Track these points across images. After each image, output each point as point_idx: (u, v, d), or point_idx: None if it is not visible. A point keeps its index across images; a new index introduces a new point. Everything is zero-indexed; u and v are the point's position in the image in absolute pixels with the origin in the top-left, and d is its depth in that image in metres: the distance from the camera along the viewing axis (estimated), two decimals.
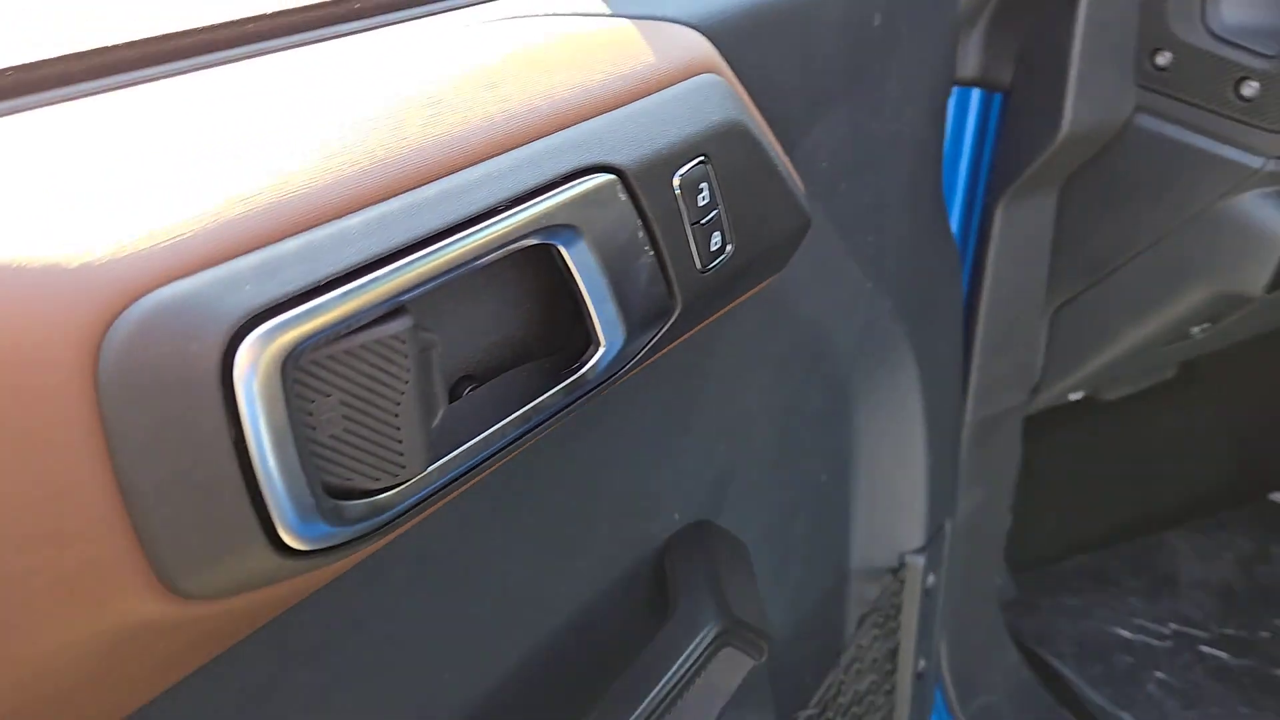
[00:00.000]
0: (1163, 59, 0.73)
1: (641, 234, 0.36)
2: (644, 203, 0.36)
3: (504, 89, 0.34)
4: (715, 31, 0.43)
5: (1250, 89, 0.69)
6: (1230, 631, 1.22)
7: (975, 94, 0.82)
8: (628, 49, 0.38)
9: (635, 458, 0.52)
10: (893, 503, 0.76)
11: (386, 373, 0.29)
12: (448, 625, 0.42)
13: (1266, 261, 0.73)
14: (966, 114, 0.82)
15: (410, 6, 0.38)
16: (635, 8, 0.41)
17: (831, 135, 0.54)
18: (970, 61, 0.79)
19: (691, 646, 0.51)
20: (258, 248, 0.27)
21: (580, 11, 0.40)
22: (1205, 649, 1.20)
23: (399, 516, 0.31)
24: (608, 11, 0.40)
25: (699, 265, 0.39)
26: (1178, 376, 1.39)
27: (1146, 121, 0.76)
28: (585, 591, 0.51)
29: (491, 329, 0.36)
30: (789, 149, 0.50)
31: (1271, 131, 0.69)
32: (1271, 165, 0.71)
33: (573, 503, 0.49)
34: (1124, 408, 1.36)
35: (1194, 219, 0.76)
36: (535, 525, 0.46)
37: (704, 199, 0.38)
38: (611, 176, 0.35)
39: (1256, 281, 0.74)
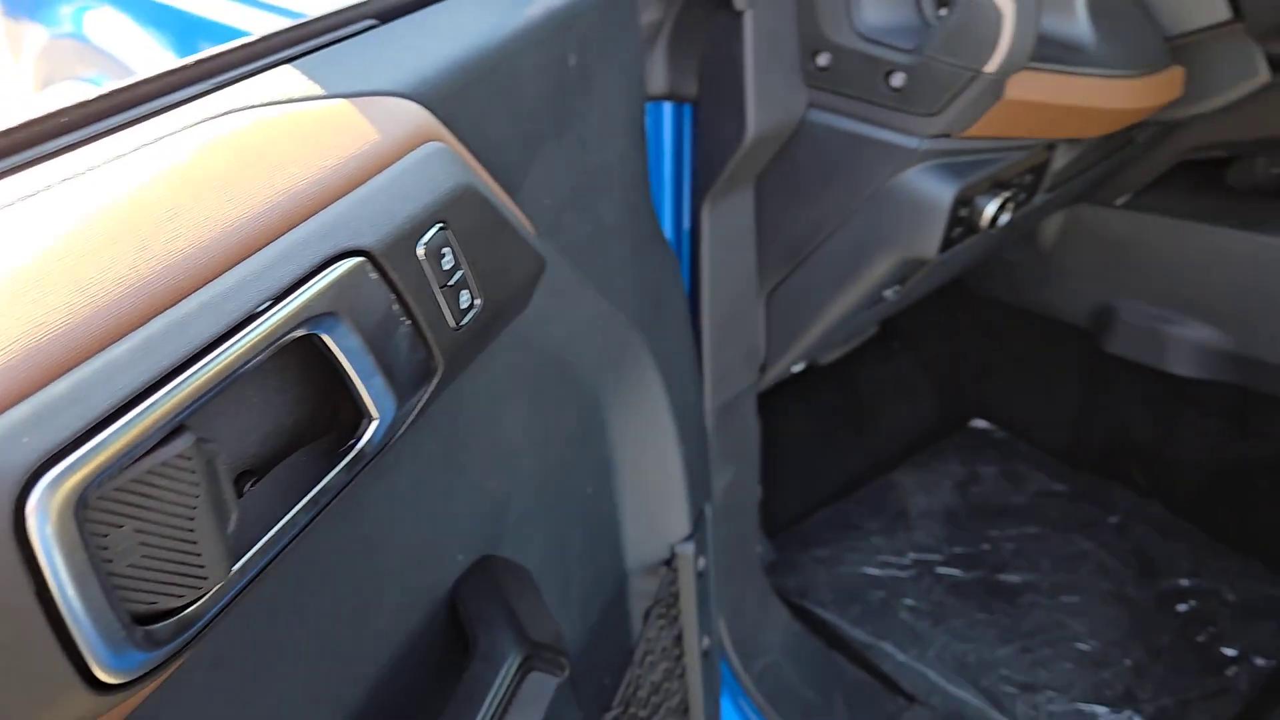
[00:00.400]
0: (823, 60, 0.82)
1: (396, 306, 0.37)
2: (394, 277, 0.37)
3: (241, 189, 0.34)
4: (428, 98, 0.44)
5: (899, 79, 0.78)
6: (959, 550, 1.37)
7: (668, 107, 0.88)
8: (352, 130, 0.39)
9: (411, 511, 0.53)
10: (656, 499, 0.81)
11: (176, 492, 0.29)
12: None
13: (936, 227, 0.84)
14: (662, 126, 0.88)
15: (122, 112, 0.37)
16: (346, 85, 0.42)
17: (549, 174, 0.56)
18: (657, 79, 0.84)
19: (498, 680, 0.52)
20: (27, 395, 0.26)
21: (294, 97, 0.40)
22: (941, 570, 1.35)
23: (207, 626, 0.30)
24: (321, 93, 0.41)
25: (453, 324, 0.41)
26: (879, 334, 1.55)
27: (818, 116, 0.85)
28: (385, 652, 0.51)
29: (267, 421, 0.36)
30: (513, 193, 0.52)
31: (922, 115, 0.79)
32: (927, 144, 0.81)
33: (358, 569, 0.49)
34: (840, 369, 1.50)
35: (872, 197, 0.86)
36: (325, 600, 0.46)
37: (448, 263, 0.40)
38: (360, 259, 0.36)
39: (930, 246, 0.85)
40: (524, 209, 0.53)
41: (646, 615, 0.81)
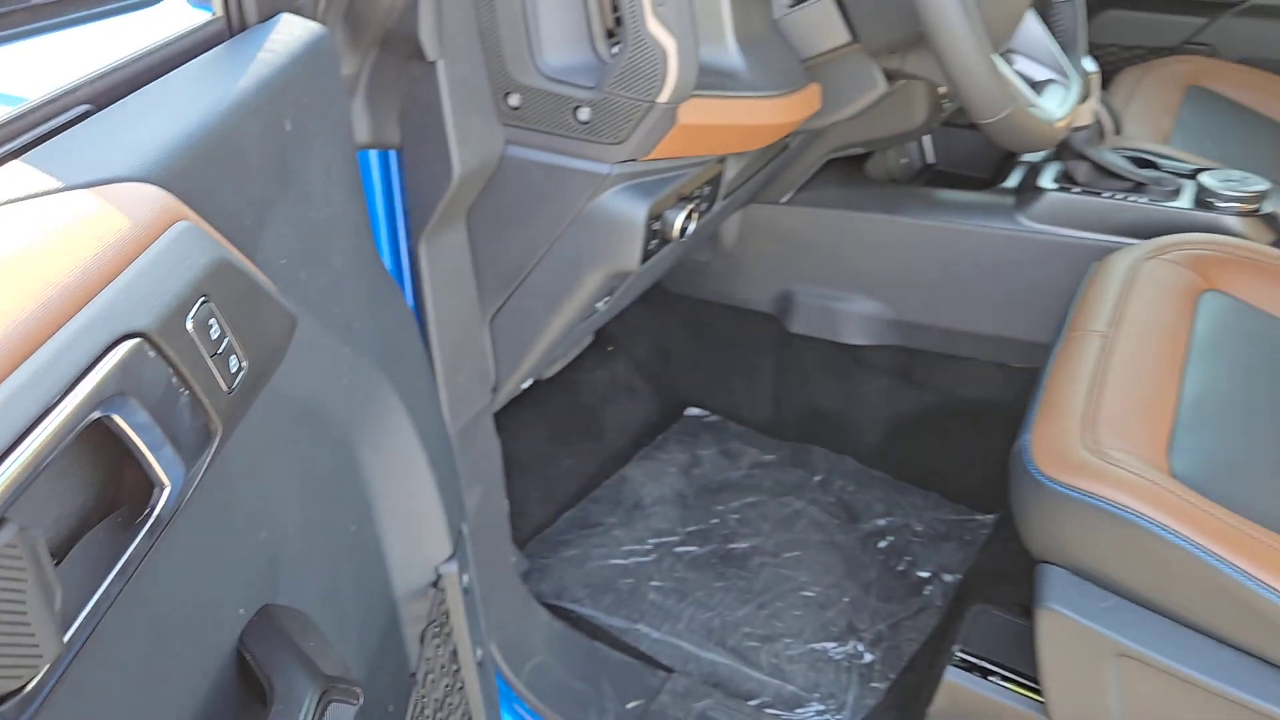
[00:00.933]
0: (514, 100, 0.89)
1: (175, 379, 0.40)
2: (169, 353, 0.40)
3: (7, 290, 0.36)
4: (164, 179, 0.47)
5: (585, 114, 0.87)
6: (692, 528, 1.50)
7: (373, 154, 0.92)
8: (101, 219, 0.41)
9: (189, 573, 0.55)
10: (417, 526, 0.85)
11: (7, 580, 0.31)
12: None
13: (634, 242, 0.94)
14: (370, 174, 0.92)
15: None
16: (82, 175, 0.44)
17: (281, 234, 0.60)
18: (360, 129, 0.88)
19: (301, 718, 0.55)
20: None
21: (33, 193, 0.41)
22: (679, 549, 1.47)
23: (44, 703, 0.32)
24: (60, 185, 0.43)
25: (225, 388, 0.44)
26: (595, 341, 1.65)
27: (517, 151, 0.92)
28: (184, 715, 0.53)
29: (72, 499, 0.37)
30: (252, 257, 0.55)
31: (609, 144, 0.88)
32: (617, 169, 0.90)
33: (143, 636, 0.50)
34: (564, 379, 1.58)
35: (575, 221, 0.94)
36: (117, 671, 0.47)
37: (215, 332, 0.43)
38: (137, 340, 0.38)
39: (632, 259, 0.94)
40: (264, 270, 0.56)
41: (422, 637, 0.85)
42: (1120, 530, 0.87)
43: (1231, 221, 1.31)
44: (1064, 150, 1.39)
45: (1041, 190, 1.39)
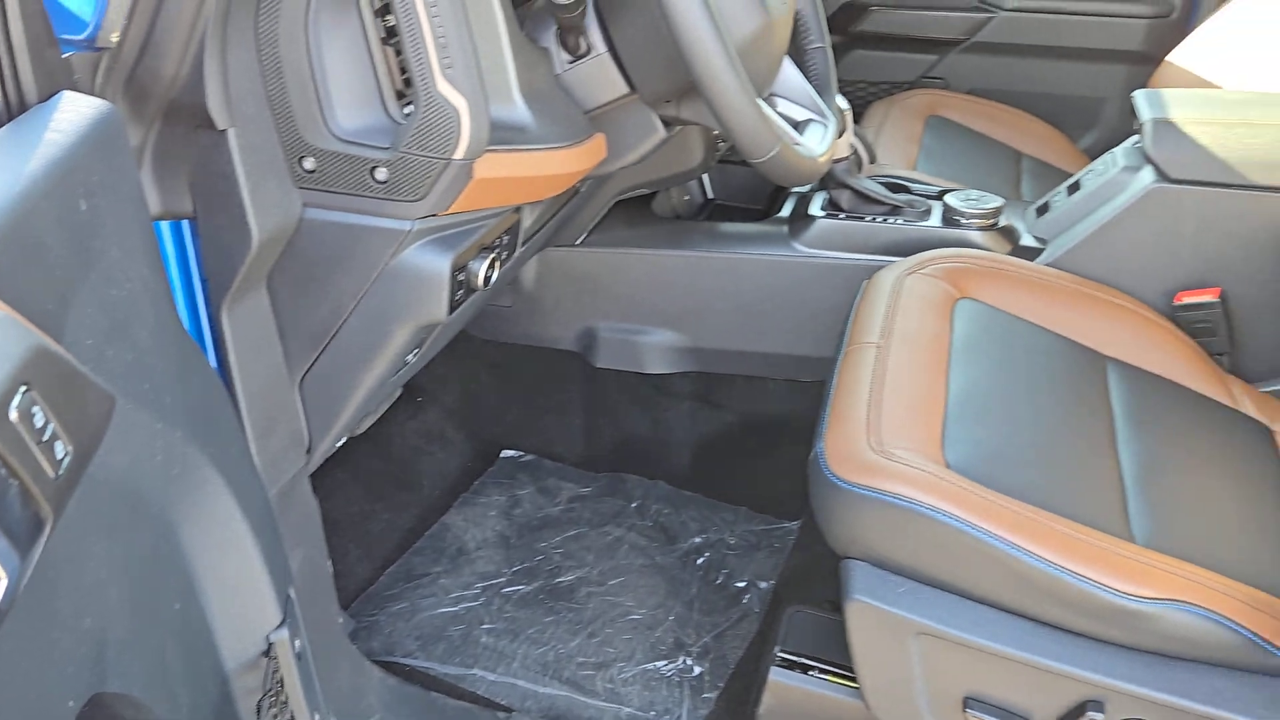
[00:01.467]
0: (309, 164, 0.90)
1: (3, 470, 0.40)
2: None
3: None
4: None
5: (382, 174, 0.89)
6: (518, 568, 1.52)
7: (165, 225, 0.91)
8: None
9: (14, 671, 0.53)
10: (244, 596, 0.84)
11: None
12: None
13: (440, 295, 0.96)
14: (164, 245, 0.90)
15: None
16: None
17: (87, 315, 0.59)
18: (151, 200, 0.87)
19: None
20: None
21: None
22: (507, 590, 1.49)
23: None
24: None
25: (52, 474, 0.44)
26: (405, 394, 1.65)
27: (315, 213, 0.93)
28: None
29: None
30: (60, 339, 0.55)
31: (409, 201, 0.90)
32: (419, 225, 0.93)
33: None
34: (376, 434, 1.57)
35: (379, 277, 0.96)
36: None
37: (39, 420, 0.43)
38: None
39: (439, 311, 0.97)
40: (71, 352, 0.55)
41: (259, 709, 0.83)
42: (908, 520, 0.97)
43: (976, 235, 1.47)
44: (829, 180, 1.52)
45: (812, 218, 1.51)
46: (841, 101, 1.46)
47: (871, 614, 0.99)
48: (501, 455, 1.74)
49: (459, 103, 0.84)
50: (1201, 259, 1.36)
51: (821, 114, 1.16)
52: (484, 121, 0.86)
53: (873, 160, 1.69)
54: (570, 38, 1.01)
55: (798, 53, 1.25)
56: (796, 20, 1.25)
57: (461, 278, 0.98)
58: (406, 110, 0.90)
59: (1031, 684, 0.97)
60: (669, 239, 1.56)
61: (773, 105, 1.16)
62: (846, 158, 1.49)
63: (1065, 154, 2.11)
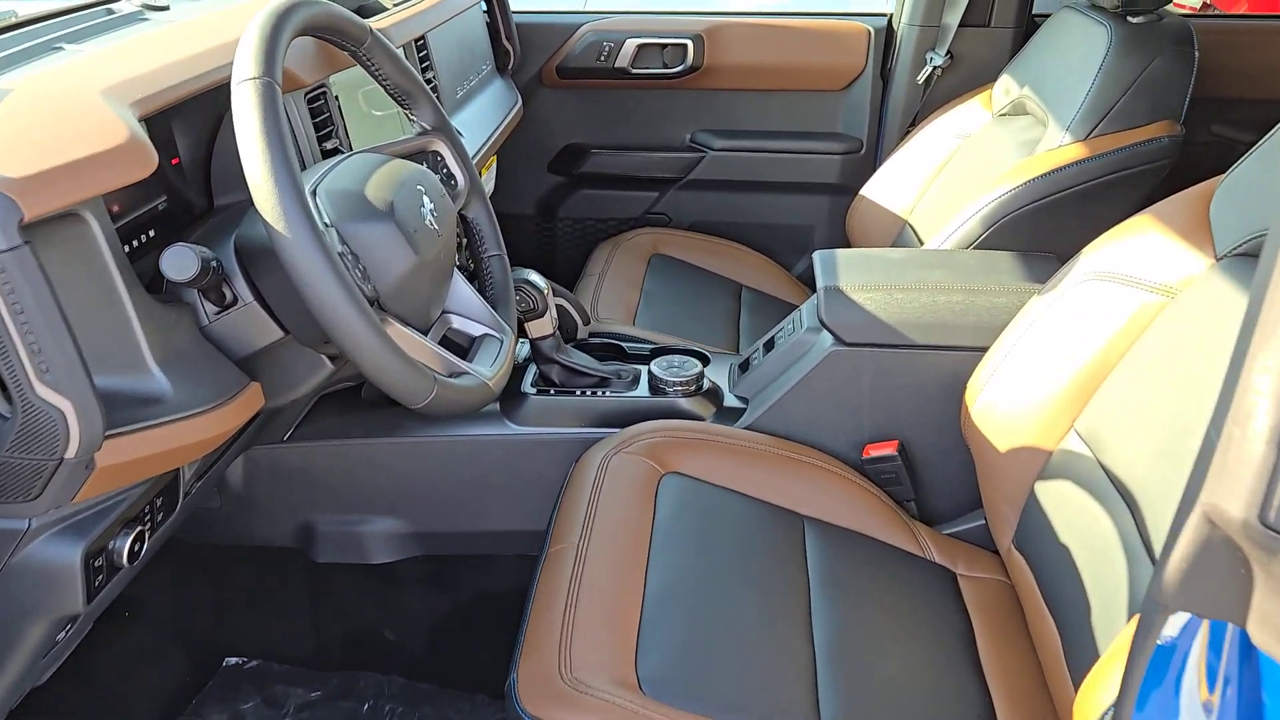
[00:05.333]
0: None
1: None
2: None
3: None
4: None
5: None
6: None
7: None
8: None
9: None
10: None
11: None
12: None
13: (73, 587, 0.89)
14: None
15: None
16: None
17: None
18: None
19: None
20: None
21: None
22: None
23: None
24: None
25: None
26: (108, 613, 1.52)
27: None
28: None
29: None
30: None
31: (22, 502, 0.84)
32: (39, 520, 0.86)
33: None
34: (73, 667, 1.44)
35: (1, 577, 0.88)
36: None
37: None
38: None
39: (74, 604, 0.90)
40: None
41: None
42: None
43: (682, 402, 1.51)
44: (538, 356, 1.53)
45: (524, 395, 1.51)
46: (538, 279, 1.49)
47: None
48: (225, 663, 1.64)
49: (62, 404, 0.78)
50: (882, 413, 1.45)
51: (498, 328, 1.17)
52: (95, 417, 0.81)
53: (586, 322, 1.72)
54: (212, 293, 0.97)
55: (475, 261, 1.26)
56: (471, 230, 1.26)
57: (100, 563, 0.92)
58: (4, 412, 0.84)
59: None
60: (382, 425, 1.52)
61: (446, 324, 1.15)
62: (551, 335, 1.51)
63: (781, 282, 2.23)
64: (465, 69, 1.96)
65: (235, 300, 1.00)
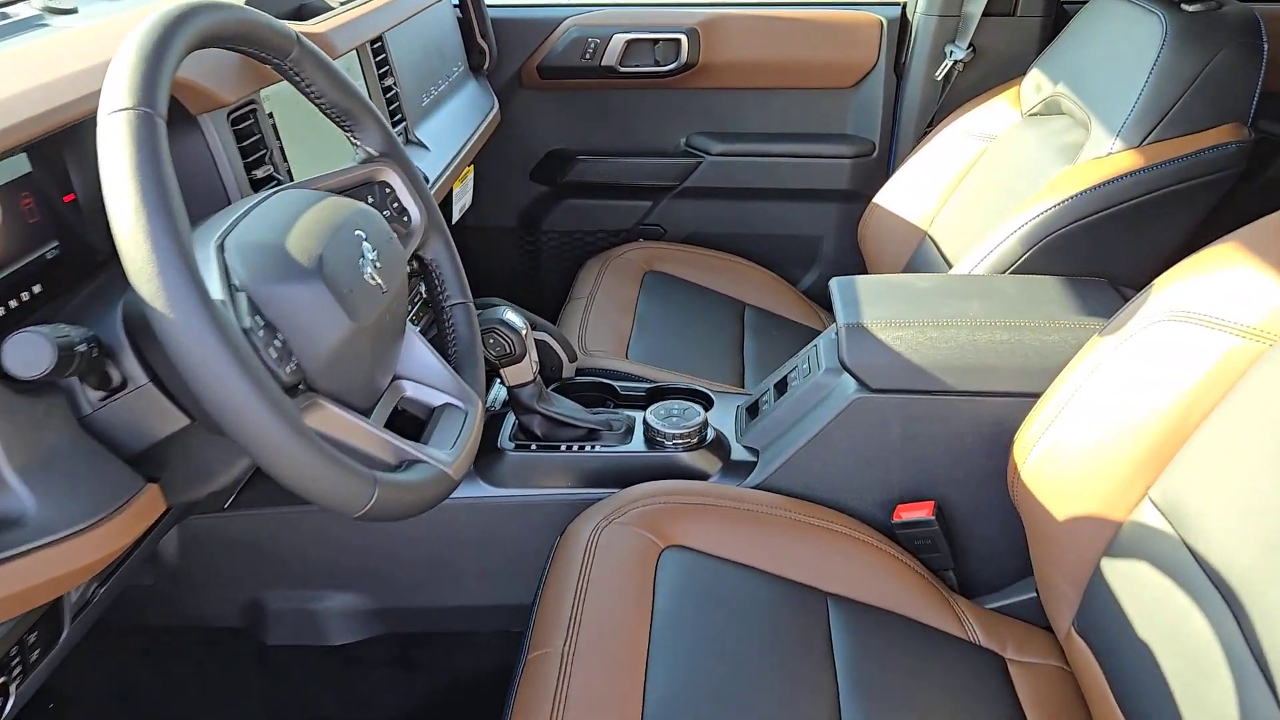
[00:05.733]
0: None
1: None
2: None
3: None
4: None
5: None
6: None
7: None
8: None
9: None
10: None
11: None
12: None
13: None
14: None
15: None
16: None
17: None
18: None
19: None
20: None
21: None
22: None
23: None
24: None
25: None
26: (34, 702, 1.33)
27: None
28: None
29: None
30: None
31: None
32: None
33: None
34: None
35: None
36: None
37: None
38: None
39: None
40: None
41: None
42: None
43: (684, 458, 1.32)
44: (517, 405, 1.34)
45: (501, 451, 1.32)
46: (514, 317, 1.29)
47: None
48: None
49: None
50: (914, 469, 1.26)
51: (462, 395, 0.97)
52: None
53: (573, 358, 1.52)
54: (92, 376, 0.77)
55: (436, 312, 1.06)
56: (431, 274, 1.06)
57: None
58: None
59: None
60: None
61: (398, 393, 0.95)
62: (530, 381, 1.31)
63: (787, 299, 2.03)
64: (433, 72, 1.75)
65: (124, 383, 0.80)
